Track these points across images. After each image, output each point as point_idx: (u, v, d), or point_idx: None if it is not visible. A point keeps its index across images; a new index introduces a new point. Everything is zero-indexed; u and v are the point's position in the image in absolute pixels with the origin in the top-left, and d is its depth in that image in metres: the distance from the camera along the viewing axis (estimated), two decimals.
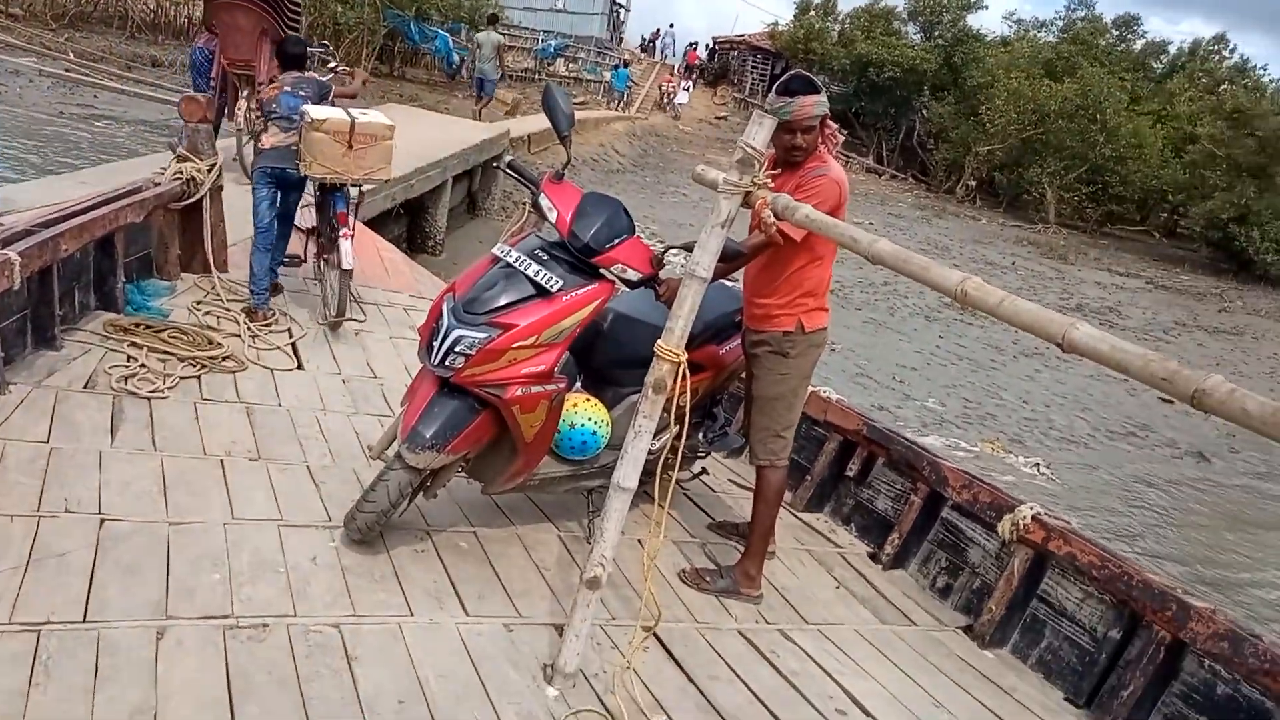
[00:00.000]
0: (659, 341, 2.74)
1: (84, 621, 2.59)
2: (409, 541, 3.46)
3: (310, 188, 5.88)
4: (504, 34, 20.68)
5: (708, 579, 3.71)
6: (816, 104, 3.30)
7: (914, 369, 12.32)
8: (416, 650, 2.84)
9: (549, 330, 3.14)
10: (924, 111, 39.55)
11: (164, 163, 5.92)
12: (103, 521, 3.09)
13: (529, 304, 3.15)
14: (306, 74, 6.19)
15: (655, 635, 3.18)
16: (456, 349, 3.10)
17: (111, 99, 16.38)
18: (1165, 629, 3.30)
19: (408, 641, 2.87)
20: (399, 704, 2.59)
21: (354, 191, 5.72)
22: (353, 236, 5.51)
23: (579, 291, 3.20)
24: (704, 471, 4.55)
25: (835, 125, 3.49)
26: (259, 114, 5.79)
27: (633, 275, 3.28)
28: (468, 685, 2.75)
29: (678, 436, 2.84)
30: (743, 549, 3.80)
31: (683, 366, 2.72)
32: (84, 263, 4.78)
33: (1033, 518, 3.74)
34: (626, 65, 36.18)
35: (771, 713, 3.00)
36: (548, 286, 3.16)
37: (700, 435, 4.14)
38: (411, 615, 3.02)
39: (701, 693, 3.00)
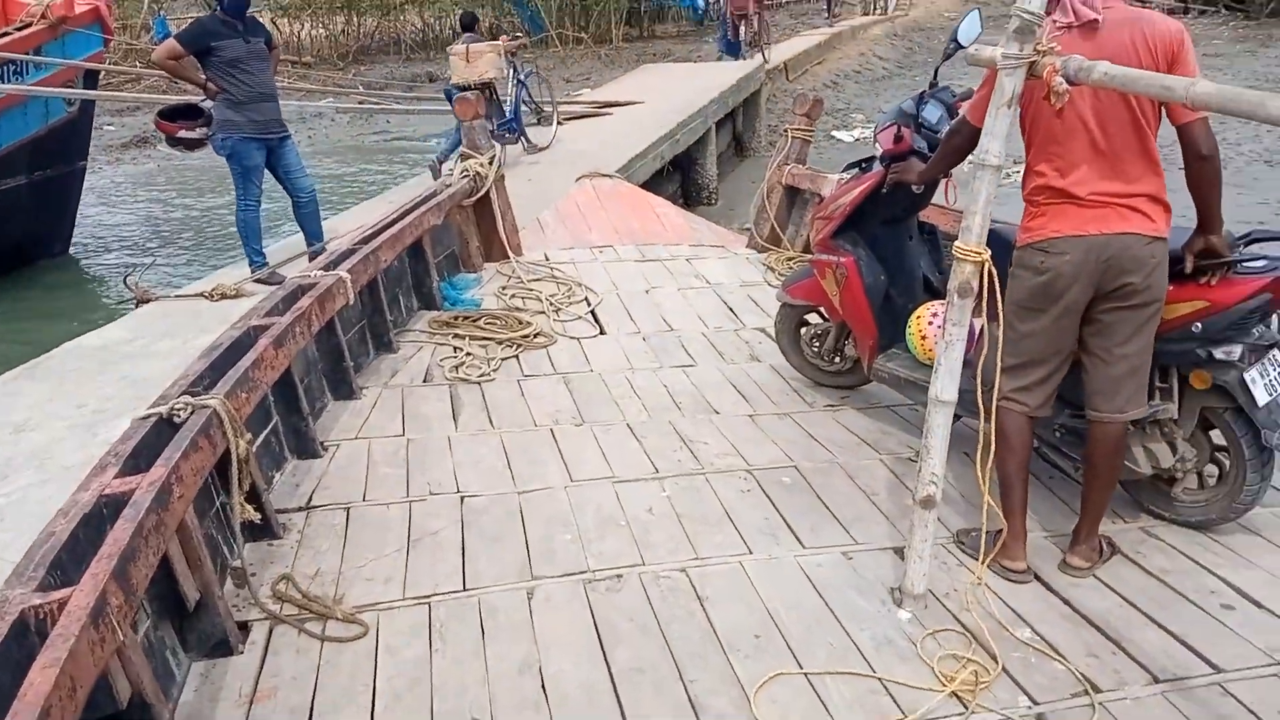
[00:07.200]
0: (957, 242, 2.58)
1: (464, 590, 2.87)
2: (733, 484, 3.53)
3: None
4: None
5: None
6: None
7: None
8: (762, 585, 2.89)
9: (831, 205, 3.92)
10: None
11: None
12: (463, 499, 3.40)
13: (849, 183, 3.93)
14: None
15: None
16: None
17: (400, 120, 17.95)
18: None
19: (751, 578, 2.93)
20: (755, 638, 2.65)
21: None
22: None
23: (852, 177, 3.94)
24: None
25: None
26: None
27: (877, 152, 3.75)
28: (818, 615, 2.76)
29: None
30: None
31: (988, 265, 2.55)
32: (401, 269, 5.28)
33: None
34: None
35: (1146, 615, 2.76)
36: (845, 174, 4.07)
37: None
38: (750, 553, 3.07)
39: (1066, 601, 2.82)
